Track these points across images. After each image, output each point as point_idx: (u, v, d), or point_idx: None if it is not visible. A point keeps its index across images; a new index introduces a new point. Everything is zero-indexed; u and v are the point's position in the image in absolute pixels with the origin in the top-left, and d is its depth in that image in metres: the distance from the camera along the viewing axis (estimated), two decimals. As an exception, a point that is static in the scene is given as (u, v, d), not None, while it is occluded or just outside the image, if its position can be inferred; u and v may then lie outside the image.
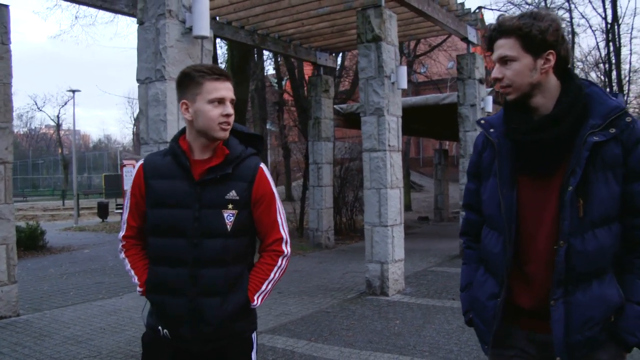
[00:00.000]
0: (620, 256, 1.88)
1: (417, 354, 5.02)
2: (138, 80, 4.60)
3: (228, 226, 2.11)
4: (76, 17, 45.49)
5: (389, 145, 7.44)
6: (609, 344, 1.85)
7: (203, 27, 4.49)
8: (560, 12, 27.79)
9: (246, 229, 2.19)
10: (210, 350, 2.18)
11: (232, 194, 2.13)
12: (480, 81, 10.59)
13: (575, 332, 1.81)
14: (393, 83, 7.49)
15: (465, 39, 10.66)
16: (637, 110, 38.38)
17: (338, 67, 20.73)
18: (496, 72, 1.92)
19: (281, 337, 5.65)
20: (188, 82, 2.13)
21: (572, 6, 28.62)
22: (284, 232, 2.26)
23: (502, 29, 1.88)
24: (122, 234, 2.33)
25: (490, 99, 10.71)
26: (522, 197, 1.92)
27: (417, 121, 15.47)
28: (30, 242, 12.78)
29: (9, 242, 6.79)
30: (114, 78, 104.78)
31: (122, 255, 2.34)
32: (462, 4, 10.01)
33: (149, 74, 4.48)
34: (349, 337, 5.58)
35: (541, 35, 1.82)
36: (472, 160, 2.17)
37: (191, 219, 2.11)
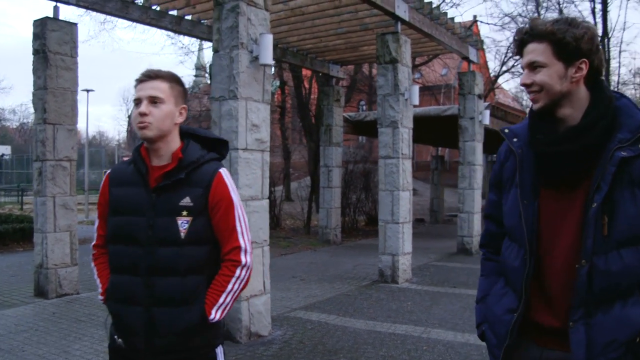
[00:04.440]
0: None
1: (429, 325, 6.16)
2: (212, 98, 5.68)
3: (182, 234, 2.05)
4: (102, 23, 45.66)
5: (402, 154, 8.58)
6: None
7: (267, 56, 5.58)
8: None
9: (204, 237, 2.11)
10: None
11: (186, 201, 2.07)
12: (479, 96, 11.76)
13: (598, 355, 1.71)
14: (407, 99, 8.63)
15: (466, 58, 11.83)
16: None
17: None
18: (525, 78, 1.83)
19: (314, 312, 6.77)
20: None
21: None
22: (244, 240, 2.16)
23: (534, 32, 1.78)
24: (93, 242, 2.32)
25: (487, 112, 11.89)
26: (542, 209, 1.85)
27: (418, 129, 16.64)
28: (58, 232, 13.83)
29: (72, 229, 7.86)
30: (109, 77, 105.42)
31: (92, 264, 2.33)
32: (466, 27, 11.17)
33: (223, 93, 5.56)
34: (370, 313, 6.71)
35: (575, 43, 1.73)
36: (495, 170, 2.08)
37: (145, 227, 2.07)
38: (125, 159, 2.47)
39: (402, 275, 8.60)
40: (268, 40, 5.58)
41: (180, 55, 47.45)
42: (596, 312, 1.73)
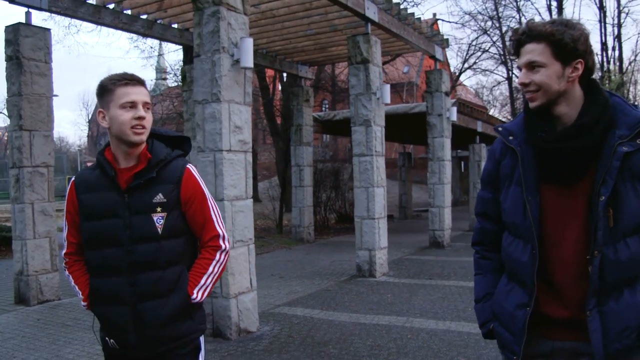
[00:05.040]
0: None
1: (410, 315, 6.40)
2: (195, 101, 5.79)
3: (159, 229, 2.13)
4: (67, 27, 45.06)
5: (375, 151, 8.82)
6: None
7: (248, 60, 5.72)
8: (512, 23, 29.90)
9: (179, 230, 2.20)
10: (157, 356, 2.18)
11: (159, 197, 2.15)
12: (446, 94, 12.11)
13: (613, 342, 1.80)
14: (378, 98, 8.87)
15: (433, 57, 12.15)
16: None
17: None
18: (523, 78, 1.89)
19: (298, 308, 6.95)
20: (103, 91, 2.16)
21: (523, 18, 30.81)
22: (220, 228, 2.27)
23: (532, 33, 1.84)
24: (64, 251, 2.34)
25: (454, 109, 12.24)
26: (545, 205, 1.91)
27: (386, 127, 16.97)
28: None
29: (51, 235, 7.85)
30: (65, 81, 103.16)
31: (66, 272, 2.35)
32: (432, 27, 11.49)
33: (205, 97, 5.68)
34: (353, 306, 6.92)
35: (573, 44, 1.80)
36: (488, 168, 2.12)
37: (122, 227, 2.13)
38: (89, 164, 2.50)
39: (379, 269, 8.84)
40: (248, 44, 5.73)
41: (144, 58, 47.32)
42: (607, 300, 1.82)
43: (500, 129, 2.05)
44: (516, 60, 1.93)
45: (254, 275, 6.06)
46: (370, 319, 6.30)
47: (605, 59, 31.14)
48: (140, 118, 2.12)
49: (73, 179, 2.29)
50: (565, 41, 1.79)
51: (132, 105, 2.12)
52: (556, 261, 1.89)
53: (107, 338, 2.20)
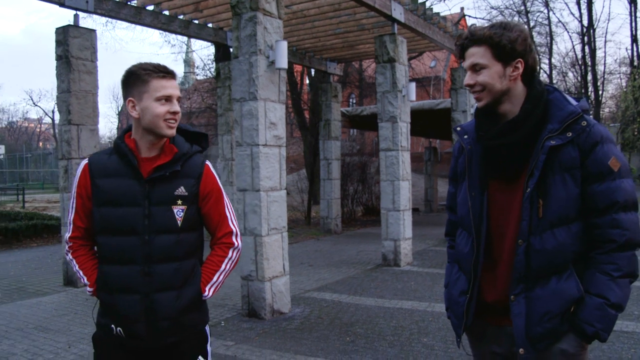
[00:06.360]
0: (582, 254, 1.94)
1: (432, 300, 6.82)
2: (234, 99, 6.28)
3: (178, 222, 2.16)
4: (105, 25, 46.59)
5: (401, 146, 9.22)
6: (570, 334, 1.92)
7: (282, 61, 6.18)
8: (540, 19, 29.76)
9: (195, 223, 2.25)
10: (165, 346, 2.20)
11: (181, 190, 2.18)
12: (471, 90, 12.41)
13: (535, 325, 1.90)
14: (404, 96, 9.27)
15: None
16: (611, 109, 40.74)
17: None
18: (468, 79, 2.00)
19: (326, 293, 7.41)
20: (134, 80, 2.14)
21: (551, 12, 30.73)
22: (234, 225, 2.32)
23: (474, 37, 1.95)
24: (68, 234, 2.29)
25: (478, 105, 12.54)
26: (491, 200, 2.03)
27: (412, 122, 17.32)
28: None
29: (96, 222, 8.42)
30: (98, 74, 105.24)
31: (70, 256, 2.31)
32: (458, 23, 11.80)
33: (243, 95, 6.16)
34: (378, 292, 7.36)
35: (511, 45, 1.91)
36: (451, 165, 2.28)
37: (141, 217, 2.13)
38: None
39: (404, 258, 9.26)
40: (283, 46, 6.18)
41: (175, 54, 48.61)
42: (534, 286, 1.93)
43: (458, 128, 2.21)
44: (462, 63, 2.06)
45: (287, 261, 6.53)
46: (394, 303, 6.74)
47: (635, 54, 30.88)
48: (175, 113, 2.16)
49: (86, 162, 2.25)
50: (503, 43, 1.92)
51: (168, 99, 2.14)
52: (500, 253, 2.03)
53: (112, 326, 2.18)
